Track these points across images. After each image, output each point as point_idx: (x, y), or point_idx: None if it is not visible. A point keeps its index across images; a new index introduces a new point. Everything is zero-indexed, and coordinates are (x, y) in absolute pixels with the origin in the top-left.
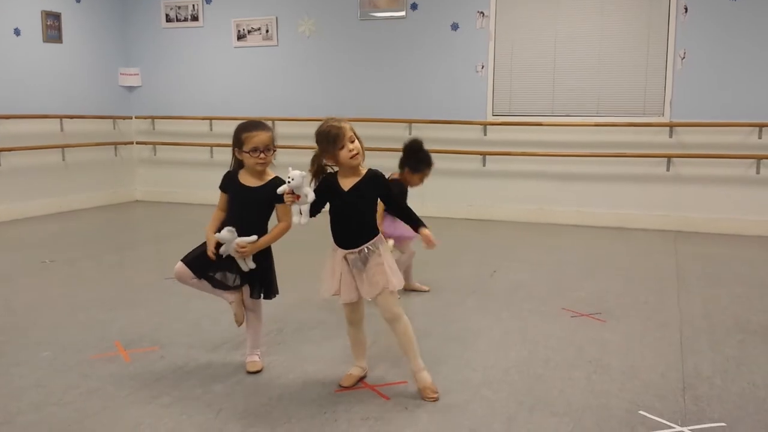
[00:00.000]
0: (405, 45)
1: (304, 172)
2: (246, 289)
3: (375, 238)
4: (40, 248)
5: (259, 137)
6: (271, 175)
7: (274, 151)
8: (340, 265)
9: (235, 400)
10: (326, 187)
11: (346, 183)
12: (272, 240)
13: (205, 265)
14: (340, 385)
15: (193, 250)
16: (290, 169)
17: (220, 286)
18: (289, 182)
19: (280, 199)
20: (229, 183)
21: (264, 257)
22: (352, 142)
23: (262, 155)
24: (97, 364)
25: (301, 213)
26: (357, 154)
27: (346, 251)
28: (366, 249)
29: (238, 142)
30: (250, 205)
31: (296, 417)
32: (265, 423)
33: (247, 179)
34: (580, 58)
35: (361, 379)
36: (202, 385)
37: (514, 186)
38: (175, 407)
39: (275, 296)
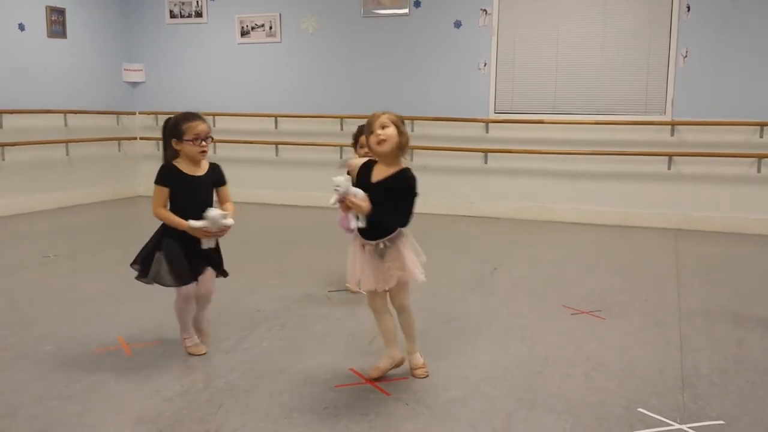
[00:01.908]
0: (408, 42)
1: (347, 176)
2: (208, 278)
3: (392, 234)
4: (43, 243)
5: (200, 126)
6: (206, 163)
7: (212, 140)
8: (359, 252)
9: (236, 395)
10: (362, 175)
11: (378, 174)
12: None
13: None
14: (370, 376)
15: (170, 265)
16: (333, 179)
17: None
18: (336, 190)
19: (221, 182)
20: (171, 176)
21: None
22: (382, 128)
23: (203, 143)
24: (99, 357)
25: (357, 218)
26: (384, 140)
27: (364, 241)
28: (383, 244)
29: (177, 132)
30: (199, 193)
31: (297, 412)
32: (266, 418)
33: (188, 169)
34: (583, 56)
35: (393, 367)
36: (204, 379)
37: (515, 183)
38: (176, 402)
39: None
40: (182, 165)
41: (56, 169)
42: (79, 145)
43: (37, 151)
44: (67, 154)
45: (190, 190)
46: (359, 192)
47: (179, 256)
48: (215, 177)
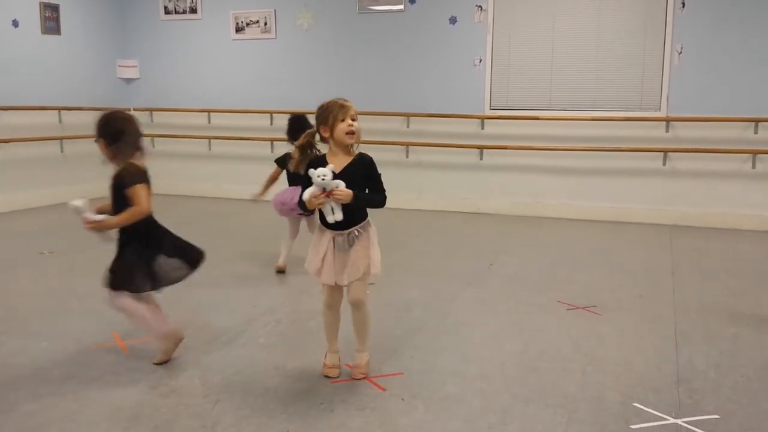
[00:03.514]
0: (403, 38)
1: (331, 166)
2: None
3: (363, 222)
4: (38, 239)
5: None
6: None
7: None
8: (325, 245)
9: (232, 391)
10: (319, 167)
11: (337, 164)
12: (120, 222)
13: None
14: (325, 375)
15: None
16: (314, 171)
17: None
18: (323, 179)
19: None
20: None
21: (124, 246)
22: (353, 120)
23: None
24: (95, 354)
25: (333, 211)
26: (354, 133)
27: (335, 233)
28: (355, 232)
29: None
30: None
31: (293, 408)
32: (262, 414)
33: None
34: (578, 52)
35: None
36: (200, 376)
37: (511, 179)
38: (172, 398)
39: (121, 289)
40: None
41: (51, 165)
42: (73, 141)
43: (32, 148)
44: (62, 151)
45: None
46: (341, 183)
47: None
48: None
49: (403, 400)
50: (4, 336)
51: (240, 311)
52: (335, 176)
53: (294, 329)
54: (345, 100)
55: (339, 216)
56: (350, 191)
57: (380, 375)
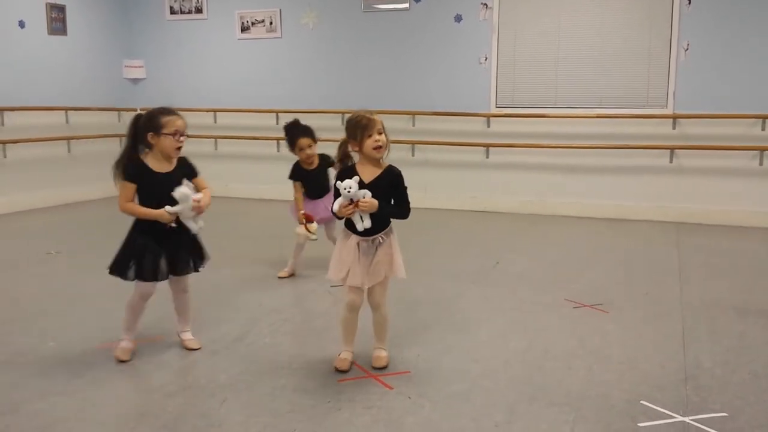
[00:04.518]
0: (408, 37)
1: (357, 178)
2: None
3: (387, 229)
4: (45, 239)
5: (180, 121)
6: (175, 159)
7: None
8: (353, 250)
9: (239, 390)
10: (347, 177)
11: (367, 175)
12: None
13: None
14: (336, 368)
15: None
16: (341, 183)
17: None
18: (348, 191)
19: (193, 174)
20: (141, 172)
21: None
22: (380, 134)
23: (182, 138)
24: (101, 353)
25: (362, 219)
26: (381, 146)
27: (360, 238)
28: (380, 238)
29: (155, 125)
30: (171, 189)
31: (300, 406)
32: (269, 412)
33: (157, 166)
34: (583, 49)
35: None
36: (207, 374)
37: (517, 178)
38: (179, 397)
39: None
40: (151, 161)
41: (58, 166)
42: (80, 142)
43: (39, 149)
44: (69, 151)
45: (162, 187)
46: (367, 193)
47: (149, 252)
48: (186, 171)
49: (409, 398)
50: (11, 335)
51: (246, 310)
52: (364, 186)
53: (300, 328)
54: (371, 114)
55: (367, 224)
56: (375, 202)
57: (387, 373)
